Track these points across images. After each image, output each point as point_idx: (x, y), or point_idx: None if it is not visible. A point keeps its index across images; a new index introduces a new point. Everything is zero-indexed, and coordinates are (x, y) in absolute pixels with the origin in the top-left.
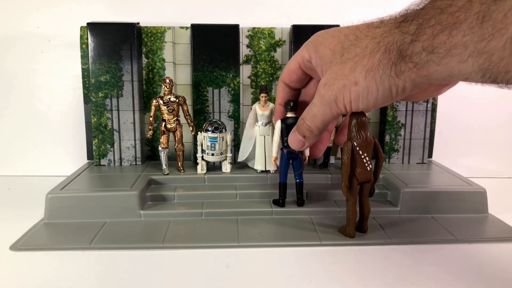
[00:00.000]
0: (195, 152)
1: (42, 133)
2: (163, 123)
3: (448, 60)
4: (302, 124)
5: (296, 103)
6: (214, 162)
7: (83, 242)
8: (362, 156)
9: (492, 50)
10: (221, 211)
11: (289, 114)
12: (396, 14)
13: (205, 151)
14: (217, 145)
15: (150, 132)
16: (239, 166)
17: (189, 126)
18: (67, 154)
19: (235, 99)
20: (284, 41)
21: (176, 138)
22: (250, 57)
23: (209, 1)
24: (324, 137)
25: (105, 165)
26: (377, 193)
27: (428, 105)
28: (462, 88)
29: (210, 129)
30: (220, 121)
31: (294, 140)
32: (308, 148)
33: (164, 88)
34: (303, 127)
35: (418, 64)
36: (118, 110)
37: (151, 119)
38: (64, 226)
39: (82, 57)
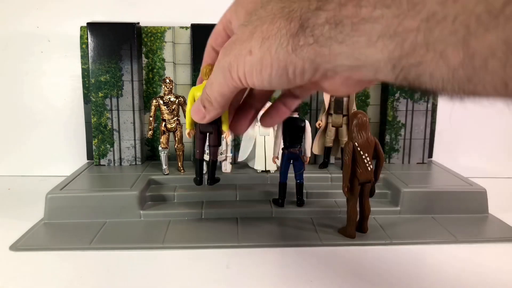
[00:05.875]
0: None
1: (42, 133)
2: (163, 123)
3: (354, 40)
4: (203, 92)
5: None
6: None
7: (83, 242)
8: (363, 157)
9: (404, 33)
10: (221, 211)
11: (292, 115)
12: None
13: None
14: None
15: (150, 132)
16: (239, 166)
17: None
18: (67, 154)
19: None
20: None
21: (176, 138)
22: None
23: (209, 1)
24: (277, 111)
25: (105, 165)
26: (377, 193)
27: (429, 105)
28: None
29: None
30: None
31: (195, 110)
32: (309, 149)
33: (164, 88)
34: (203, 95)
35: (319, 40)
36: (118, 110)
37: (151, 119)
38: (64, 226)
39: (82, 57)
